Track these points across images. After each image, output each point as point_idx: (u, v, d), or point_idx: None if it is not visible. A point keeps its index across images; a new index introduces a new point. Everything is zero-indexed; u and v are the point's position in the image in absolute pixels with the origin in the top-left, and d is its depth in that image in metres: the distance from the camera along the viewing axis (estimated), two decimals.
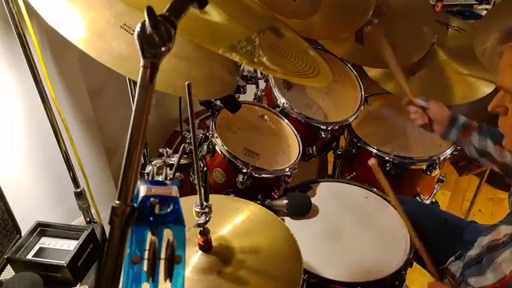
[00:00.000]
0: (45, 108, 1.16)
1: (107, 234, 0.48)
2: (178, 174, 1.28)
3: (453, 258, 1.16)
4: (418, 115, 1.34)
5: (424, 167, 1.55)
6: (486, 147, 1.21)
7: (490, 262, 0.96)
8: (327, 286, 1.06)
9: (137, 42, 0.48)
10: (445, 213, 1.43)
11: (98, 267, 1.16)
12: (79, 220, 1.38)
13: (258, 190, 1.30)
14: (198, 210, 0.78)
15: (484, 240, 1.04)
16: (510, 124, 0.89)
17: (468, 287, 1.01)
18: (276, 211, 1.19)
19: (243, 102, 1.35)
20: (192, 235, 0.79)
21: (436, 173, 1.56)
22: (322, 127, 1.49)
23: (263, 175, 1.29)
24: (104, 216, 1.47)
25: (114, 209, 0.47)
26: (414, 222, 1.23)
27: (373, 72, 1.74)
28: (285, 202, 1.24)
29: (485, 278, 0.95)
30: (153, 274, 0.51)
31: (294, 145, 1.42)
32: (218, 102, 1.35)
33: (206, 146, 1.35)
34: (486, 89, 1.55)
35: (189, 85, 0.65)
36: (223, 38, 0.93)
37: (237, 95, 1.49)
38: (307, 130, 1.48)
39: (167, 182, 1.14)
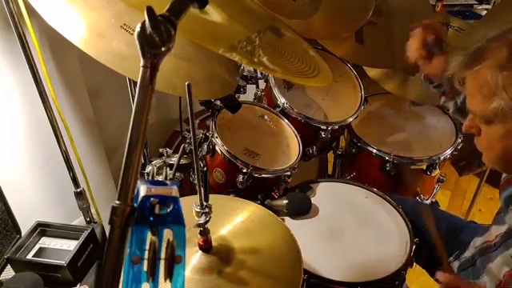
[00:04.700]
0: (45, 108, 1.16)
1: (107, 234, 0.48)
2: (177, 174, 1.28)
3: (451, 259, 1.16)
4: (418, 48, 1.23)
5: (424, 167, 1.55)
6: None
7: (483, 266, 0.96)
8: (327, 286, 1.05)
9: (137, 42, 0.48)
10: (444, 213, 1.43)
11: (98, 267, 1.16)
12: (79, 220, 1.38)
13: (258, 189, 1.29)
14: (198, 210, 0.78)
15: (478, 241, 1.05)
16: (485, 143, 0.90)
17: None
18: (276, 211, 1.19)
19: (243, 102, 1.35)
20: (192, 235, 0.79)
21: (436, 173, 1.56)
22: (322, 127, 1.49)
23: (263, 175, 1.29)
24: (104, 216, 1.46)
25: (113, 209, 0.47)
26: (413, 223, 1.24)
27: (373, 72, 1.74)
28: (285, 202, 1.24)
29: (482, 284, 0.95)
30: (153, 274, 0.52)
31: (293, 145, 1.42)
32: (218, 102, 1.35)
33: (205, 146, 1.35)
34: None
35: (189, 85, 0.65)
36: (223, 38, 0.94)
37: (237, 95, 1.49)
38: (307, 130, 1.48)
39: (167, 181, 1.14)
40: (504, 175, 1.03)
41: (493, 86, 0.79)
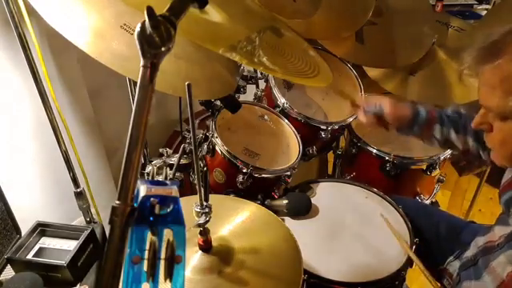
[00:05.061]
0: (45, 108, 1.16)
1: (107, 234, 0.48)
2: (177, 174, 1.28)
3: (451, 258, 1.16)
4: (371, 121, 1.24)
5: (424, 167, 1.55)
6: (449, 137, 1.20)
7: (485, 265, 0.95)
8: (327, 286, 1.05)
9: (137, 42, 0.48)
10: (444, 213, 1.43)
11: (98, 267, 1.16)
12: (79, 220, 1.38)
13: (258, 189, 1.30)
14: (198, 210, 0.78)
15: (480, 240, 1.04)
16: (497, 139, 0.89)
17: None
18: (276, 211, 1.19)
19: (243, 102, 1.35)
20: (192, 235, 0.79)
21: (436, 173, 1.56)
22: (322, 127, 1.49)
23: (263, 175, 1.29)
24: (104, 216, 1.46)
25: (113, 209, 0.47)
26: (413, 223, 1.24)
27: (373, 72, 1.74)
28: (285, 201, 1.24)
29: (484, 284, 0.95)
30: (153, 274, 0.52)
31: (294, 145, 1.42)
32: (218, 102, 1.35)
33: (205, 146, 1.35)
34: None
35: (189, 85, 0.65)
36: (223, 38, 0.93)
37: (237, 95, 1.49)
38: (307, 130, 1.48)
39: (167, 181, 1.14)
40: (504, 180, 1.02)
41: None
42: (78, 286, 1.10)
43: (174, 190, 0.52)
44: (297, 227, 1.09)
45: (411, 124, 1.21)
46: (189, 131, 1.40)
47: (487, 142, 0.92)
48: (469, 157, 1.21)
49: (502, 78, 0.80)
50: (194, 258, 0.81)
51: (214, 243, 0.83)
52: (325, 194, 1.35)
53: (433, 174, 1.55)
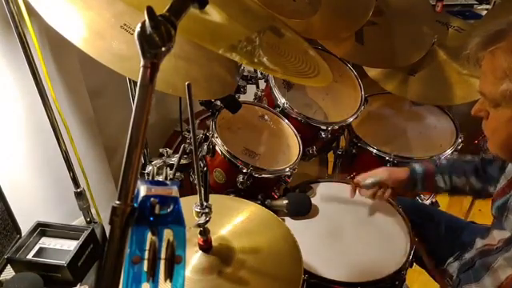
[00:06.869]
0: (45, 108, 1.16)
1: (107, 234, 0.48)
2: (177, 174, 1.28)
3: (451, 259, 1.16)
4: (380, 194, 1.25)
5: None
6: (454, 184, 1.21)
7: (485, 267, 0.95)
8: (327, 286, 1.05)
9: (137, 42, 0.48)
10: (444, 213, 1.43)
11: (98, 267, 1.16)
12: (79, 220, 1.38)
13: (258, 189, 1.29)
14: (198, 210, 0.78)
15: (479, 243, 1.04)
16: (491, 128, 0.90)
17: None
18: (276, 211, 1.19)
19: (243, 102, 1.35)
20: (192, 235, 0.79)
21: None
22: (322, 127, 1.49)
23: (263, 175, 1.29)
24: (104, 216, 1.46)
25: (114, 209, 0.47)
26: (413, 223, 1.24)
27: (373, 72, 1.74)
28: (285, 201, 1.24)
29: (483, 286, 0.95)
30: (153, 274, 0.51)
31: (294, 145, 1.42)
32: (218, 102, 1.35)
33: (205, 146, 1.35)
34: None
35: (189, 85, 0.65)
36: (223, 38, 0.94)
37: (237, 95, 1.49)
38: (307, 130, 1.48)
39: (167, 181, 1.14)
40: (498, 188, 1.02)
41: (505, 69, 0.79)
42: (78, 286, 1.10)
43: (174, 190, 0.52)
44: (297, 227, 1.09)
45: (412, 182, 1.23)
46: (189, 131, 1.40)
47: (484, 129, 0.93)
48: (482, 197, 1.22)
49: (495, 64, 0.82)
50: (193, 258, 0.81)
51: (214, 243, 0.83)
52: (325, 194, 1.35)
53: None
